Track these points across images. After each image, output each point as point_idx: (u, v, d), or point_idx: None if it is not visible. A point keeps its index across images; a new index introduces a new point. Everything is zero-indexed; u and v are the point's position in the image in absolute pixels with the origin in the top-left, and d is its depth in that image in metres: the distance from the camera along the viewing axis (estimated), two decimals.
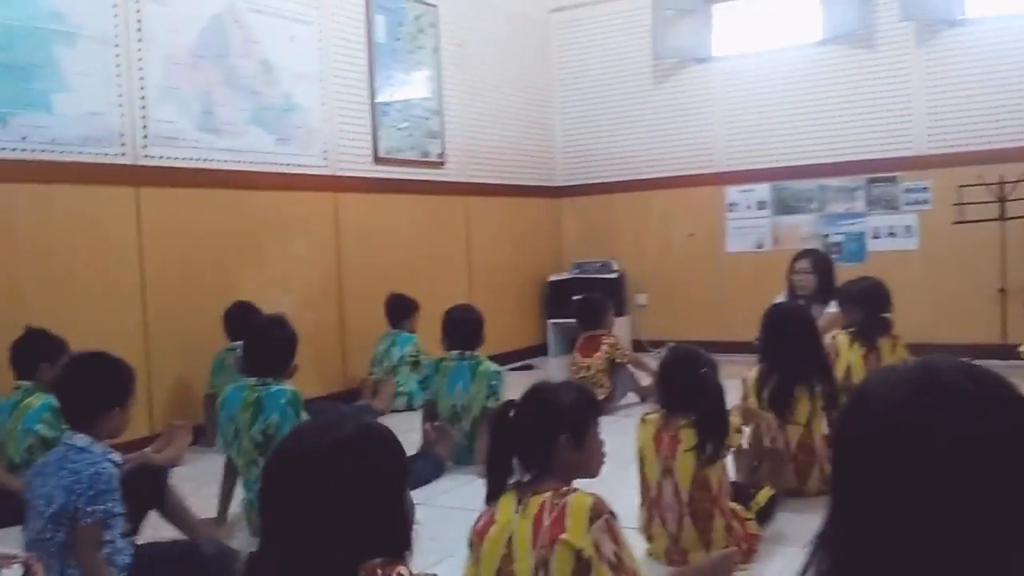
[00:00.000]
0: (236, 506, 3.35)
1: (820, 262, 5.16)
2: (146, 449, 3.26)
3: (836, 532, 0.92)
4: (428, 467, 3.81)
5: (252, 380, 3.21)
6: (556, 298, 7.23)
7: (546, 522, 1.98)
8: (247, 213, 5.09)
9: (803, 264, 5.15)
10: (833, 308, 4.78)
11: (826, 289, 4.98)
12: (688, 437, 2.68)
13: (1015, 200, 5.68)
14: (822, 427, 3.33)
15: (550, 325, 7.38)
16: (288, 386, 3.20)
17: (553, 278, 7.45)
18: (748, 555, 2.71)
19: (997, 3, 6.19)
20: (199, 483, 3.55)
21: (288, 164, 5.32)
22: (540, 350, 7.41)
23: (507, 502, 2.05)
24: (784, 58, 6.87)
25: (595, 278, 7.21)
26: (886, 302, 4.16)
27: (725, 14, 7.21)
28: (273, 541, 1.41)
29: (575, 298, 5.82)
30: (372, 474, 1.41)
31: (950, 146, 6.24)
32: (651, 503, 2.74)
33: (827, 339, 4.04)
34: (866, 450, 0.90)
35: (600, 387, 5.01)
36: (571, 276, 7.38)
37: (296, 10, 5.39)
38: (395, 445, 1.49)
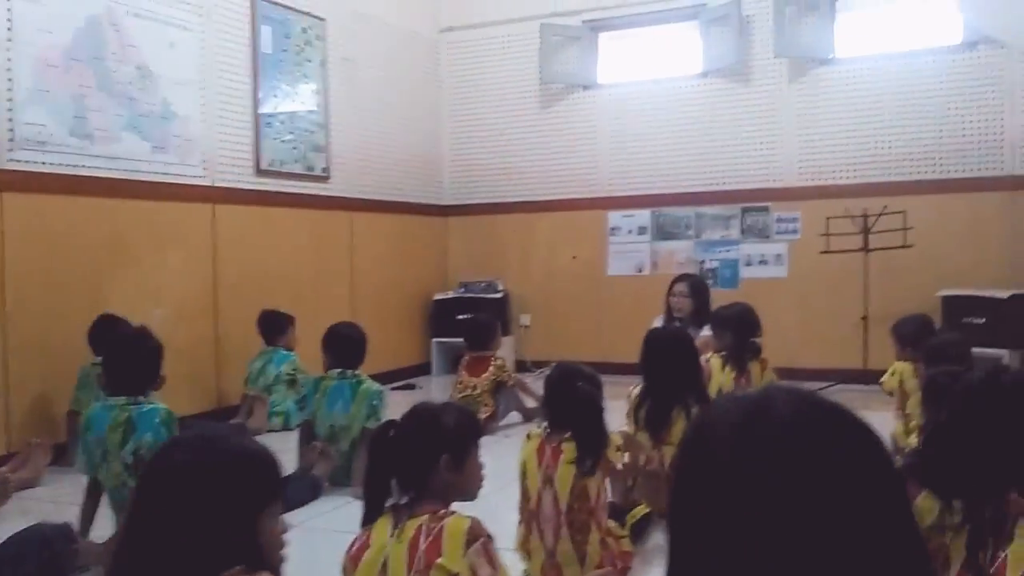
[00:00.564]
0: (100, 528, 3.18)
1: (696, 286, 5.34)
2: (2, 468, 3.07)
3: (673, 569, 0.88)
4: (304, 488, 3.71)
5: (122, 399, 3.07)
6: (441, 317, 7.22)
7: (422, 546, 1.96)
8: (119, 222, 4.87)
9: (680, 288, 5.32)
10: (707, 331, 4.95)
11: (702, 312, 5.16)
12: (569, 449, 2.71)
13: (877, 232, 6.02)
14: None
15: (434, 344, 7.35)
16: (161, 404, 3.08)
17: (438, 297, 7.44)
18: (622, 573, 2.76)
19: (864, 45, 6.58)
20: (60, 504, 3.37)
21: (164, 173, 5.13)
22: (423, 369, 7.37)
23: (383, 525, 2.02)
24: (666, 88, 7.10)
25: (480, 297, 7.24)
26: (756, 327, 4.33)
27: (610, 43, 7.40)
28: (134, 549, 1.38)
29: (462, 318, 5.84)
30: (242, 495, 1.38)
31: (819, 179, 6.57)
32: (530, 516, 2.75)
33: (700, 361, 4.17)
34: (695, 483, 0.87)
35: (484, 406, 5.03)
36: (456, 295, 7.38)
37: (177, 16, 5.23)
38: (270, 465, 1.47)
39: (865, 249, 6.03)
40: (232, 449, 1.45)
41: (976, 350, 4.65)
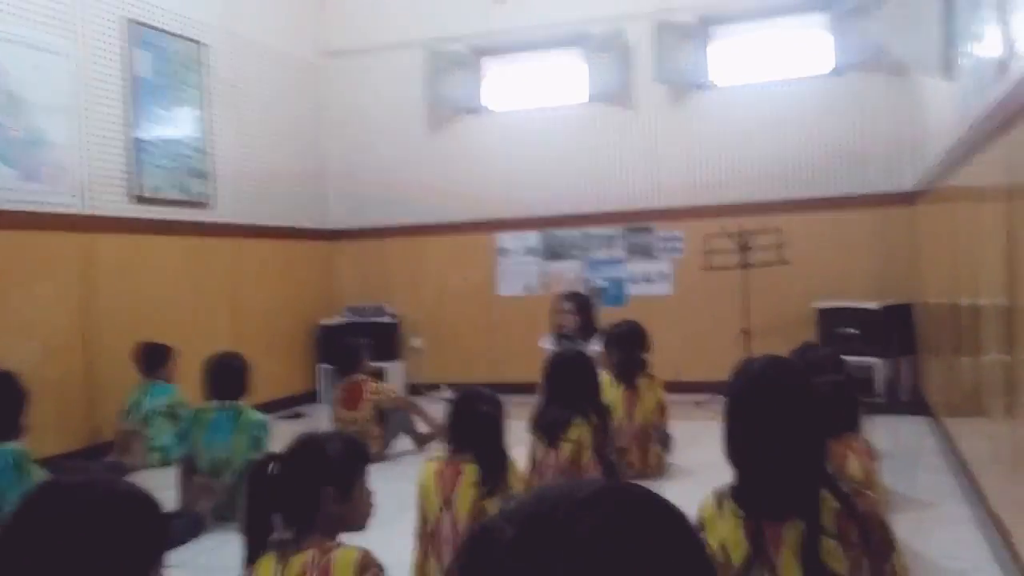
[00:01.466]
0: None
1: (581, 303, 5.47)
2: None
3: None
4: (187, 525, 3.59)
5: None
6: (328, 343, 7.10)
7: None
8: None
9: (567, 305, 5.43)
10: (597, 346, 5.07)
11: (587, 328, 5.30)
12: (470, 471, 2.72)
13: (755, 249, 6.26)
14: (590, 446, 3.52)
15: (321, 370, 7.23)
16: (11, 445, 2.91)
17: (325, 322, 7.33)
18: None
19: (738, 71, 6.87)
20: None
21: (34, 202, 4.90)
22: (310, 397, 7.23)
23: (267, 564, 1.95)
24: (552, 113, 7.24)
25: (369, 322, 7.17)
26: (643, 344, 4.44)
27: (496, 68, 7.49)
28: None
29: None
30: (123, 542, 1.28)
31: (699, 199, 6.80)
32: (427, 539, 2.74)
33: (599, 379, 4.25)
34: None
35: (372, 437, 4.93)
36: (344, 321, 7.29)
37: (47, 40, 5.02)
38: (149, 507, 1.37)
39: (744, 265, 6.26)
40: (107, 497, 1.32)
41: (850, 359, 4.92)
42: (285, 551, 1.95)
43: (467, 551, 0.72)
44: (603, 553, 0.68)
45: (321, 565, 1.91)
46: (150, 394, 5.04)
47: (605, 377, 4.36)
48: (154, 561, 1.34)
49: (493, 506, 2.72)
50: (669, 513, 0.74)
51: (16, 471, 2.87)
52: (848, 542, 1.74)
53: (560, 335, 5.39)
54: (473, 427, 2.78)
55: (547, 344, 5.52)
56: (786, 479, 1.75)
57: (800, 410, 1.79)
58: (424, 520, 2.76)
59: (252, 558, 1.98)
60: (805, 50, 6.74)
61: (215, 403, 3.90)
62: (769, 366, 1.86)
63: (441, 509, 2.71)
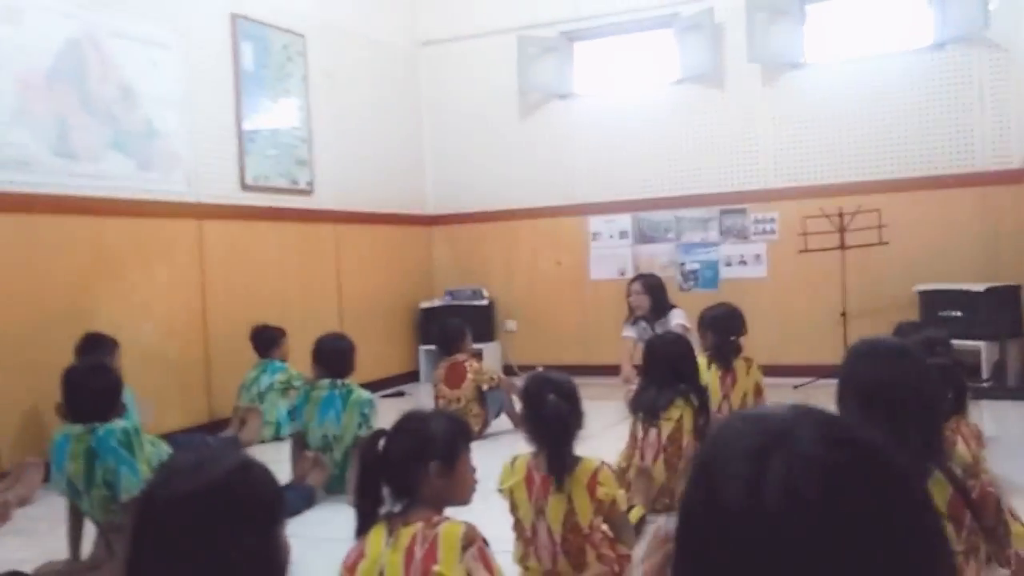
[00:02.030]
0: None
1: (650, 284, 5.54)
2: None
3: None
4: (298, 498, 3.77)
5: (78, 428, 3.07)
6: (428, 325, 7.28)
7: (418, 554, 1.98)
8: (106, 240, 4.92)
9: (636, 287, 5.54)
10: (678, 319, 5.17)
11: (659, 307, 5.42)
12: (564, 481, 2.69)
13: (853, 231, 6.14)
14: (690, 425, 3.55)
15: (422, 351, 7.42)
16: (118, 424, 3.10)
17: (425, 305, 7.50)
18: (620, 575, 2.80)
19: (834, 48, 6.71)
20: (52, 522, 3.40)
21: (149, 190, 5.18)
22: (412, 377, 7.44)
23: (377, 535, 2.04)
24: (642, 96, 7.21)
25: (466, 305, 7.31)
26: (737, 327, 4.43)
27: (587, 52, 7.50)
28: None
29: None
30: (245, 515, 1.34)
31: (794, 180, 6.69)
32: (526, 541, 2.74)
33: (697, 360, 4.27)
34: (701, 516, 0.79)
35: (474, 416, 5.05)
36: (443, 303, 7.45)
37: (157, 35, 5.28)
38: (269, 482, 1.42)
39: (842, 247, 6.15)
40: (229, 468, 1.38)
41: (954, 342, 4.79)
42: (394, 523, 2.04)
43: (757, 458, 0.76)
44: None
45: (427, 537, 1.99)
46: (266, 372, 5.31)
47: (701, 360, 4.36)
48: (274, 529, 1.40)
49: (584, 516, 2.64)
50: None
51: (126, 448, 3.04)
52: (960, 524, 1.74)
53: (634, 316, 5.49)
54: (542, 421, 2.70)
55: (626, 331, 5.59)
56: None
57: (916, 392, 1.79)
58: (521, 526, 2.73)
59: (363, 529, 2.07)
60: (904, 24, 6.54)
61: (326, 381, 4.07)
62: (885, 347, 1.86)
63: (535, 518, 2.69)
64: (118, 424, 3.09)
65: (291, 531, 3.54)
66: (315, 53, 6.57)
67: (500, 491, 2.77)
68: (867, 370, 1.83)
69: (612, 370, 5.67)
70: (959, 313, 5.72)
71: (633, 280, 5.71)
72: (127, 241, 5.04)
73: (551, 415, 2.68)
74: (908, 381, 1.80)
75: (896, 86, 6.42)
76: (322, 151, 6.61)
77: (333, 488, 3.95)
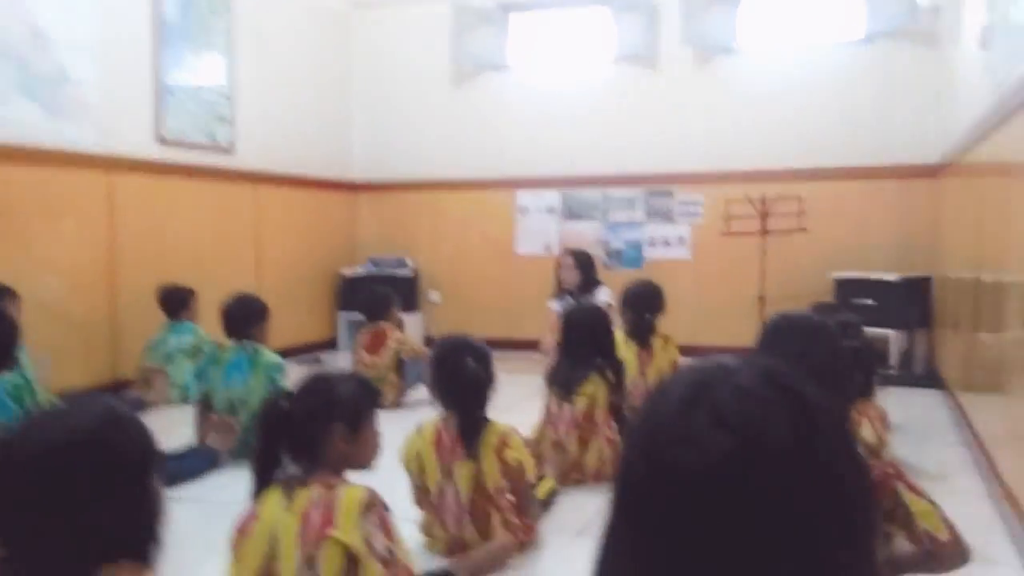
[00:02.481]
0: None
1: (581, 259, 5.51)
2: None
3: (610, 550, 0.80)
4: (200, 461, 3.66)
5: None
6: (349, 293, 7.15)
7: (314, 517, 1.92)
8: (9, 188, 4.66)
9: (567, 261, 5.51)
10: (604, 296, 5.17)
11: (588, 283, 5.38)
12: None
13: (774, 216, 6.23)
14: (604, 401, 3.54)
15: (341, 319, 7.29)
16: (5, 376, 2.96)
17: (347, 272, 7.37)
18: (525, 545, 2.79)
19: (767, 36, 6.77)
20: None
21: (57, 139, 4.93)
22: (330, 344, 7.31)
23: (273, 497, 1.99)
24: (577, 72, 7.17)
25: (390, 274, 7.20)
26: (656, 305, 4.44)
27: (522, 25, 7.42)
28: (4, 544, 1.25)
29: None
30: (111, 468, 1.27)
31: (721, 164, 6.75)
32: (432, 508, 2.73)
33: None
34: (636, 476, 0.78)
35: (390, 384, 5.01)
36: (366, 271, 7.33)
37: None
38: (138, 433, 1.35)
39: (763, 232, 6.23)
40: (94, 419, 1.30)
41: (865, 329, 4.90)
42: (291, 486, 1.98)
43: (691, 399, 0.76)
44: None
45: (325, 501, 1.94)
46: (174, 334, 5.12)
47: (619, 335, 4.36)
48: (145, 482, 1.32)
49: (491, 480, 2.67)
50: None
51: (15, 401, 2.92)
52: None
53: (562, 291, 5.48)
54: (457, 381, 2.71)
55: (552, 304, 5.57)
56: None
57: (828, 368, 1.79)
58: (424, 491, 2.72)
59: (259, 491, 2.02)
60: (836, 16, 6.63)
61: (233, 343, 3.94)
62: (802, 322, 1.86)
63: (443, 480, 2.68)
64: (7, 376, 2.93)
65: (192, 495, 3.45)
66: (242, 7, 6.33)
67: (404, 463, 2.73)
68: (783, 343, 1.82)
69: (535, 345, 5.66)
70: (872, 301, 5.86)
71: (564, 254, 5.67)
72: (31, 191, 4.79)
73: (467, 377, 2.70)
74: (822, 357, 1.80)
75: (824, 77, 6.52)
76: (245, 109, 6.39)
77: (239, 453, 3.83)
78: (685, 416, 0.75)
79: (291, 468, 2.04)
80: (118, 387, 5.10)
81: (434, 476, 2.70)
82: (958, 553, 1.83)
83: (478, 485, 2.69)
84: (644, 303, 4.41)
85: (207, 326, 5.14)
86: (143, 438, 1.35)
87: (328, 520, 1.92)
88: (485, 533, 2.71)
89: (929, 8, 6.17)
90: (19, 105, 4.70)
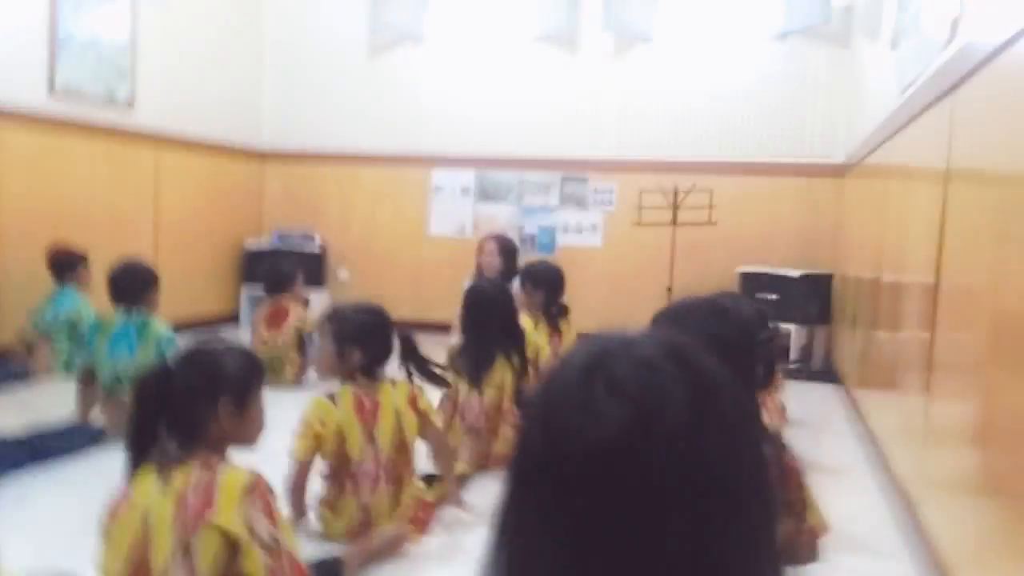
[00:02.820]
0: None
1: (505, 246, 5.41)
2: None
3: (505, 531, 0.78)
4: (81, 438, 3.45)
5: None
6: (253, 266, 6.90)
7: (192, 500, 1.80)
8: None
9: (491, 247, 5.37)
10: (516, 287, 5.06)
11: (510, 271, 5.26)
12: (389, 396, 2.70)
13: (685, 208, 6.28)
14: (511, 389, 3.48)
15: (244, 293, 7.04)
16: None
17: (251, 245, 7.12)
18: (422, 525, 2.73)
19: (683, 28, 6.79)
20: None
21: None
22: (232, 318, 7.06)
23: (148, 478, 1.85)
24: (495, 49, 7.07)
25: (296, 249, 6.99)
26: (563, 286, 4.41)
27: None
28: None
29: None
30: None
31: (635, 153, 6.77)
32: (345, 478, 2.66)
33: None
34: (532, 446, 0.77)
35: (290, 361, 4.86)
36: (271, 245, 7.09)
37: None
38: None
39: (673, 224, 6.28)
40: None
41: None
42: (167, 465, 1.85)
43: (590, 370, 0.75)
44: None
45: (205, 482, 1.81)
46: (56, 301, 4.80)
47: (527, 320, 4.29)
48: None
49: (411, 435, 2.74)
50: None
51: None
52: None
53: (481, 276, 5.35)
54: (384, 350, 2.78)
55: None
56: None
57: (733, 353, 1.76)
58: (345, 458, 2.65)
59: (133, 471, 1.88)
60: (752, 11, 6.70)
61: (121, 313, 3.71)
62: (708, 302, 1.82)
63: (364, 443, 2.65)
64: None
65: (71, 475, 3.25)
66: None
67: (317, 438, 2.63)
68: (689, 320, 1.76)
69: (446, 328, 5.56)
70: (775, 296, 5.97)
71: (488, 239, 5.50)
72: None
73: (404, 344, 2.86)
74: (728, 340, 1.77)
75: (739, 71, 6.59)
76: (147, 64, 6.07)
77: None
78: (583, 386, 0.73)
79: (170, 446, 1.90)
80: None
81: (357, 443, 2.65)
82: (818, 550, 1.85)
83: (397, 440, 2.70)
84: (557, 284, 4.37)
85: (97, 295, 4.86)
86: None
87: (207, 503, 1.79)
88: (396, 501, 2.70)
89: (843, 8, 6.30)
90: None
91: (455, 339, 3.65)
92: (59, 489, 3.08)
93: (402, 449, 2.72)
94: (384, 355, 2.76)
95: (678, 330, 1.74)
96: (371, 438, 2.66)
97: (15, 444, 3.25)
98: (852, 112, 6.11)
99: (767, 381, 3.14)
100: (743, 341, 1.77)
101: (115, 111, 5.82)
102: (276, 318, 4.96)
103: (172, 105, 6.34)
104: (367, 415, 2.67)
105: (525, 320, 4.25)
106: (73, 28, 5.43)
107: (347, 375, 2.72)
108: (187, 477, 1.83)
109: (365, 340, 2.71)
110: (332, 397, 2.68)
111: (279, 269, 5.20)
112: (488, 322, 3.51)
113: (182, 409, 1.88)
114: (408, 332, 2.87)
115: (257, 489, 1.83)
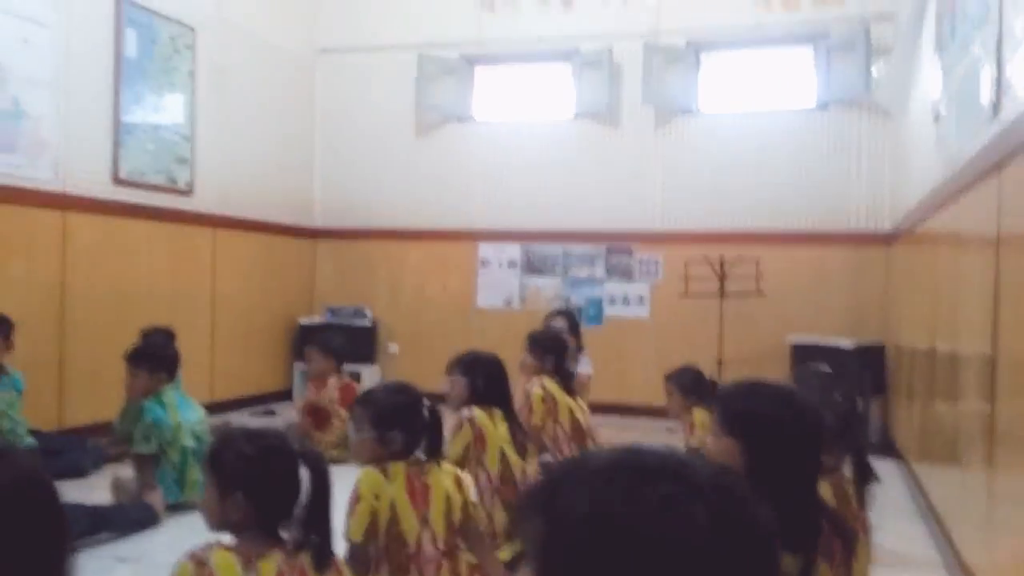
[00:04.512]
0: None
1: (574, 322, 5.42)
2: None
3: None
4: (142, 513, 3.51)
5: None
6: (305, 342, 7.00)
7: None
8: None
9: (560, 323, 5.35)
10: (586, 367, 5.07)
11: (577, 347, 5.28)
12: (439, 479, 2.63)
13: (733, 278, 6.28)
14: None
15: (297, 370, 7.14)
16: None
17: (304, 321, 7.25)
18: None
19: (724, 100, 6.90)
20: None
21: (10, 175, 4.80)
22: (285, 395, 7.14)
23: (227, 564, 1.84)
24: (539, 127, 7.24)
25: (348, 324, 7.11)
26: (567, 352, 4.46)
27: (486, 77, 7.48)
28: None
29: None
30: (21, 531, 1.19)
31: (680, 225, 6.82)
32: (408, 559, 2.56)
33: (536, 388, 4.17)
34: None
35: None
36: (323, 321, 7.22)
37: (32, 10, 4.94)
38: (51, 496, 1.26)
39: (721, 294, 6.28)
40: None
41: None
42: (246, 551, 1.90)
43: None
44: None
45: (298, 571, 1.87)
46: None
47: (551, 385, 4.22)
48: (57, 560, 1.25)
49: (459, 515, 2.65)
50: None
51: None
52: (834, 561, 1.75)
53: None
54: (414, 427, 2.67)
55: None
56: (787, 511, 1.72)
57: (812, 442, 1.76)
58: (401, 542, 2.54)
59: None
60: (792, 82, 6.80)
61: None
62: (787, 397, 1.81)
63: (420, 528, 2.56)
64: None
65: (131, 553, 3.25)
66: (205, 48, 6.29)
67: (371, 516, 2.52)
68: (771, 416, 1.76)
69: None
70: (827, 368, 5.89)
71: (555, 314, 5.51)
72: None
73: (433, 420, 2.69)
74: (806, 431, 1.77)
75: (781, 142, 6.65)
76: (205, 151, 6.32)
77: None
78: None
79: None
80: (66, 434, 4.90)
81: (412, 526, 2.56)
82: None
83: (450, 523, 2.62)
84: (559, 347, 4.37)
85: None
86: (51, 504, 1.28)
87: None
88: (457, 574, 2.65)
89: (882, 80, 6.34)
90: None
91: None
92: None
93: (452, 530, 2.64)
94: (422, 434, 2.67)
95: (748, 413, 1.75)
96: (425, 521, 2.58)
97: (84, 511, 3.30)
98: (898, 180, 6.11)
99: (865, 479, 2.88)
100: (811, 429, 1.77)
101: (175, 196, 6.04)
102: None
103: (228, 188, 6.57)
104: (419, 498, 2.59)
105: (550, 385, 4.22)
106: (135, 119, 5.68)
107: (390, 459, 2.61)
108: (273, 566, 1.85)
109: (405, 421, 2.64)
110: (384, 470, 2.58)
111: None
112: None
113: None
114: (434, 406, 2.74)
115: None
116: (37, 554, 1.21)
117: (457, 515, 2.67)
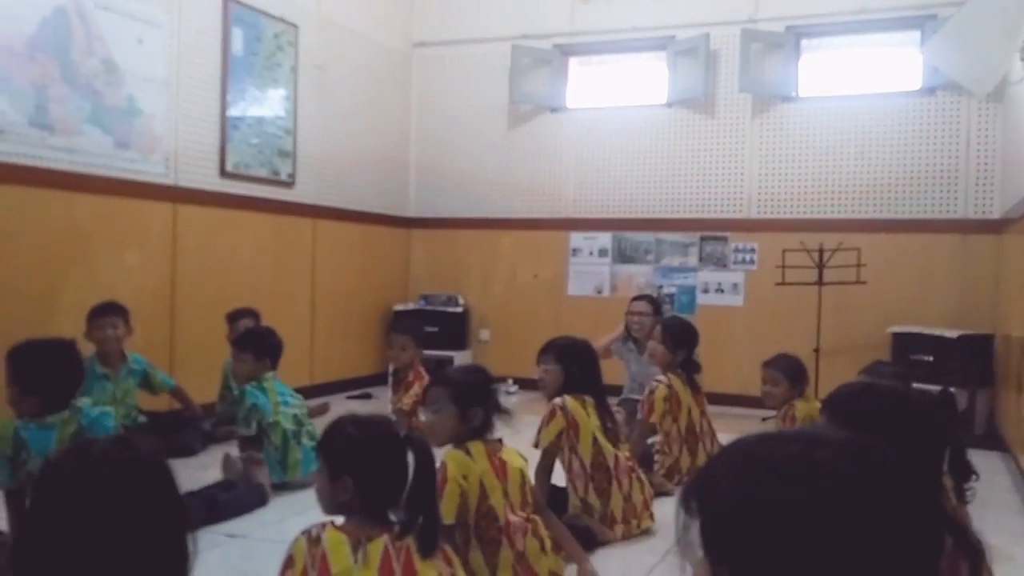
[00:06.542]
0: None
1: (657, 306, 5.43)
2: None
3: None
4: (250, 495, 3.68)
5: (65, 414, 2.92)
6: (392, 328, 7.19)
7: (397, 572, 1.88)
8: (77, 217, 4.80)
9: (641, 306, 5.39)
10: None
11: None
12: (509, 454, 2.71)
13: (831, 267, 6.14)
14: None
15: None
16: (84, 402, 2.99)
17: (399, 307, 7.42)
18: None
19: (826, 85, 6.73)
20: None
21: (126, 169, 5.07)
22: (381, 379, 7.33)
23: (339, 546, 1.89)
24: (632, 116, 7.19)
25: (441, 311, 7.24)
26: (697, 344, 4.40)
27: (580, 68, 7.48)
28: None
29: (428, 330, 5.77)
30: (132, 502, 1.29)
31: (777, 212, 6.69)
32: (500, 532, 2.61)
33: (661, 387, 4.17)
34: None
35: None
36: (417, 307, 7.38)
37: (146, 12, 5.19)
38: (161, 470, 1.37)
39: (819, 283, 6.14)
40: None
41: (923, 387, 4.77)
42: (355, 533, 1.99)
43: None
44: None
45: (401, 550, 1.95)
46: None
47: (675, 380, 4.23)
48: (173, 533, 1.37)
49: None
50: None
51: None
52: None
53: (630, 337, 5.40)
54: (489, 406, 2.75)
55: (613, 345, 5.47)
56: None
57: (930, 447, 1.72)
58: (491, 516, 2.59)
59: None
60: (895, 67, 6.57)
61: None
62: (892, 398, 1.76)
63: (504, 499, 2.62)
64: (84, 403, 2.97)
65: (241, 530, 3.44)
66: (307, 44, 6.49)
67: (460, 493, 2.57)
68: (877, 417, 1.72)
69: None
70: (930, 358, 5.72)
71: (638, 298, 5.57)
72: (98, 220, 4.93)
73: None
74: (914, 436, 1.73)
75: (885, 127, 6.44)
76: (306, 144, 6.52)
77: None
78: None
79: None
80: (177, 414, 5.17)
81: (500, 500, 2.61)
82: None
83: (523, 498, 2.72)
84: (695, 341, 4.35)
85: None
86: (163, 478, 1.41)
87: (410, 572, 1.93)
88: (541, 540, 2.71)
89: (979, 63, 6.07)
90: (92, 136, 4.86)
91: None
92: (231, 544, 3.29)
93: (526, 500, 2.73)
94: (496, 412, 2.72)
95: (858, 421, 1.72)
96: (505, 494, 2.63)
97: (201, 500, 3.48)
98: (1009, 165, 5.85)
99: (964, 474, 2.80)
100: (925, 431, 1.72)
101: (277, 188, 6.27)
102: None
103: (327, 180, 6.77)
104: (500, 473, 2.64)
105: (675, 380, 4.22)
106: (241, 114, 5.91)
107: (469, 437, 2.65)
108: (379, 548, 1.91)
109: (485, 398, 2.69)
110: (466, 450, 2.61)
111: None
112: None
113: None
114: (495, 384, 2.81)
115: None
116: (160, 535, 1.31)
117: (528, 486, 2.77)
